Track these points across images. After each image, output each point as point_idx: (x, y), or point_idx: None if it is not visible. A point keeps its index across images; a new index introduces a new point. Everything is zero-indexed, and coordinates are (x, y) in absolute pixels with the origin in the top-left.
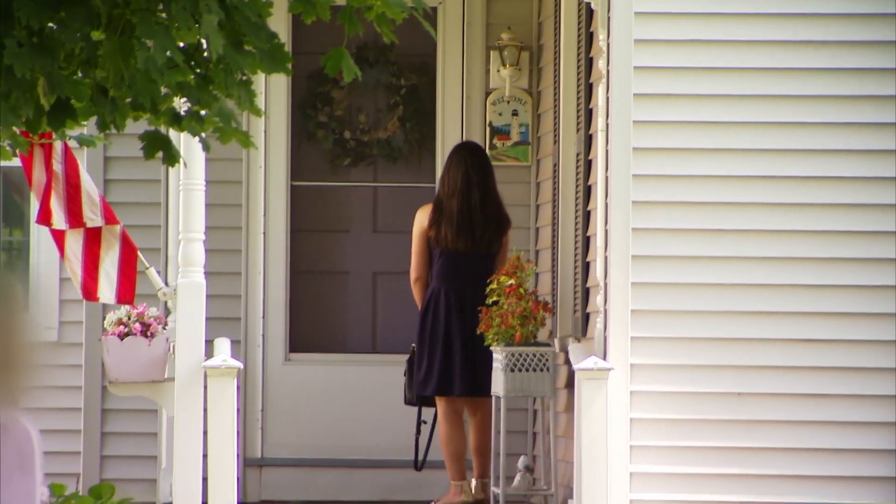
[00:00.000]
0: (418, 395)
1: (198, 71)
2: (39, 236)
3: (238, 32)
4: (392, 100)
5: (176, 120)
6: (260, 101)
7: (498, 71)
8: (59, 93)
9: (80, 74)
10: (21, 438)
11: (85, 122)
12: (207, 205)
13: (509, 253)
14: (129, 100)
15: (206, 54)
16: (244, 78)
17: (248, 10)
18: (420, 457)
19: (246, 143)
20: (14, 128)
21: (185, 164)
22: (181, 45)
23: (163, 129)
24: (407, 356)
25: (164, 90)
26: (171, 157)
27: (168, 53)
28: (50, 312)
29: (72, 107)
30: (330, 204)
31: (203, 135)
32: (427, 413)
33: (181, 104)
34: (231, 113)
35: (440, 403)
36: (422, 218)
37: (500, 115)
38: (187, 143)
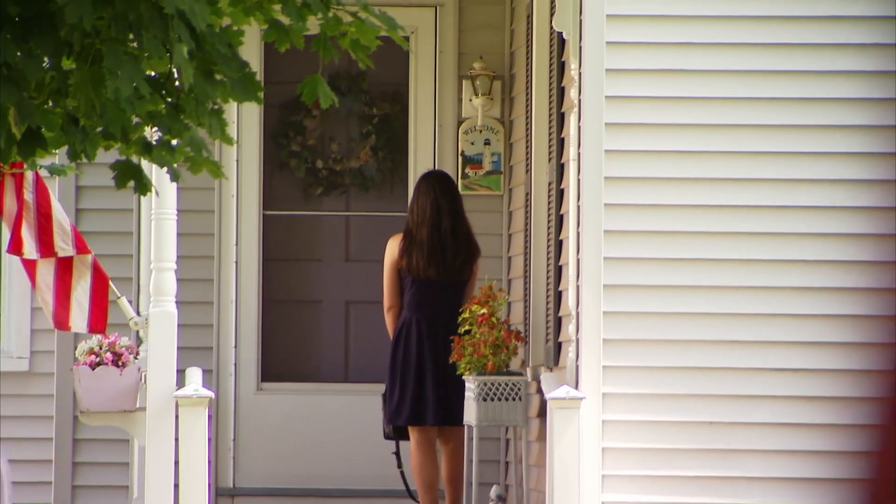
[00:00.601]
0: (392, 426)
1: (169, 100)
2: (11, 265)
3: (209, 61)
4: (364, 129)
5: (147, 149)
6: (232, 131)
7: (470, 100)
8: (29, 122)
9: (50, 104)
10: None
11: (56, 151)
12: (179, 234)
13: (480, 282)
14: (99, 129)
15: (177, 83)
16: (215, 107)
17: (218, 40)
18: (405, 486)
19: (217, 174)
20: None
21: (156, 193)
22: (152, 74)
23: (134, 158)
24: (381, 386)
25: (135, 119)
26: (143, 185)
27: (135, 84)
28: (21, 342)
29: (42, 136)
30: (302, 233)
31: (175, 165)
32: (404, 445)
33: (152, 133)
34: (202, 142)
35: (413, 433)
36: (392, 247)
37: (472, 144)
38: (159, 173)
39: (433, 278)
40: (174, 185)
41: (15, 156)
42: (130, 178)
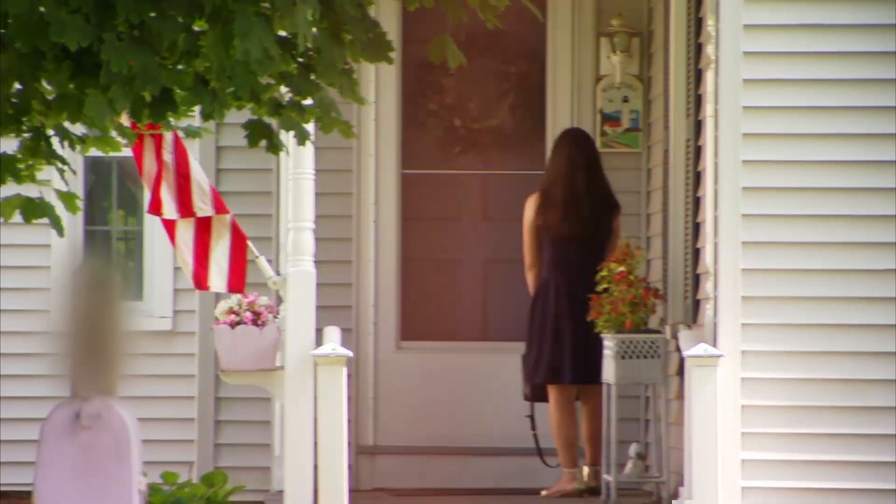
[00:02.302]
0: (531, 388)
1: (300, 60)
2: (153, 226)
3: (339, 22)
4: (502, 88)
5: (277, 109)
6: (370, 90)
7: (608, 57)
8: (153, 85)
9: (180, 66)
10: (117, 427)
11: (192, 113)
12: (318, 193)
13: (619, 240)
14: (229, 90)
15: (307, 44)
16: (346, 67)
17: (348, 1)
18: (537, 449)
19: (348, 133)
20: (113, 120)
21: (287, 153)
22: (282, 34)
23: (266, 118)
24: (519, 345)
25: (267, 80)
26: (274, 145)
27: (265, 46)
28: (164, 301)
29: (173, 98)
30: (440, 192)
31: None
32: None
33: (283, 94)
34: (332, 103)
35: (551, 391)
36: (530, 207)
37: (610, 101)
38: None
39: (568, 235)
40: (311, 145)
41: (146, 117)
42: (262, 137)
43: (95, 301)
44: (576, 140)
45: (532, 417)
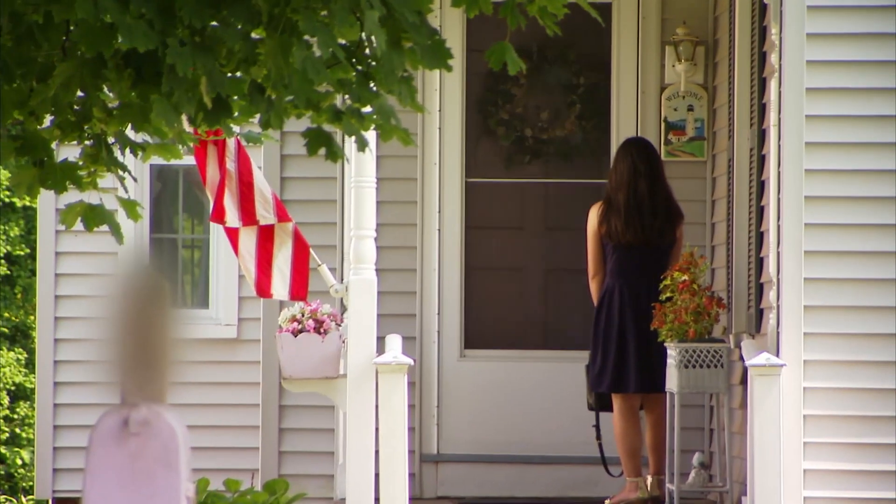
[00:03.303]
0: (596, 397)
1: (359, 68)
2: (218, 234)
3: (398, 29)
4: (569, 98)
5: (337, 117)
6: (434, 99)
7: (673, 66)
8: (219, 91)
9: (237, 74)
10: (165, 434)
11: (253, 119)
12: (383, 202)
13: (683, 248)
14: (288, 98)
15: (367, 51)
16: (405, 74)
17: (407, 8)
18: (601, 459)
19: (407, 141)
20: (180, 126)
21: (348, 160)
22: (342, 42)
23: (326, 126)
24: (580, 353)
25: (326, 87)
26: (334, 153)
27: (331, 50)
28: (229, 309)
29: (228, 104)
30: (504, 201)
31: (364, 133)
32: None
33: (343, 102)
34: (391, 110)
35: (616, 400)
36: (593, 215)
37: (675, 110)
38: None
39: (632, 243)
40: (372, 153)
41: (203, 124)
42: (321, 145)
43: (145, 308)
44: (638, 148)
45: (597, 427)
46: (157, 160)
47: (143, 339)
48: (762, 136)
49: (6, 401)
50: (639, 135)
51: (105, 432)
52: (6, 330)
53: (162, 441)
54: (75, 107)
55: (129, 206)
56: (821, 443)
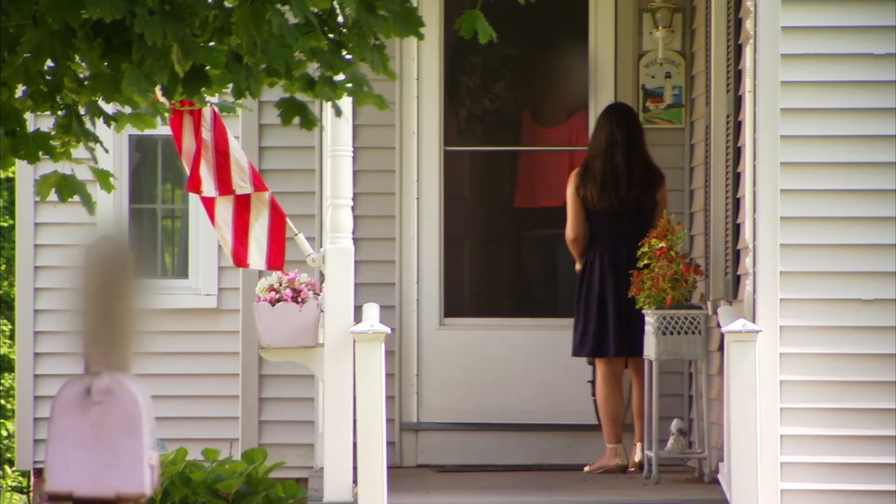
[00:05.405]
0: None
1: (331, 36)
2: (198, 204)
3: None
4: (545, 66)
5: (310, 85)
6: (412, 68)
7: (651, 33)
8: (192, 59)
9: (213, 42)
10: (128, 402)
11: (226, 90)
12: (361, 171)
13: (666, 210)
14: (263, 66)
15: (339, 19)
16: (377, 42)
17: None
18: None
19: (381, 105)
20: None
21: (325, 129)
22: (314, 10)
23: (298, 95)
24: (559, 321)
25: (298, 56)
26: (309, 121)
27: (305, 18)
28: (209, 279)
29: (206, 74)
30: (482, 169)
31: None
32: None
33: (315, 70)
34: (363, 78)
35: (598, 365)
36: (573, 180)
37: (652, 77)
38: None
39: (607, 209)
40: (349, 122)
41: (180, 94)
42: (295, 114)
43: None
44: (616, 116)
45: (593, 383)
46: (135, 131)
47: (105, 308)
48: (738, 103)
49: None
50: (616, 101)
51: (67, 401)
52: None
53: (124, 409)
54: (47, 77)
55: (103, 177)
56: (797, 408)
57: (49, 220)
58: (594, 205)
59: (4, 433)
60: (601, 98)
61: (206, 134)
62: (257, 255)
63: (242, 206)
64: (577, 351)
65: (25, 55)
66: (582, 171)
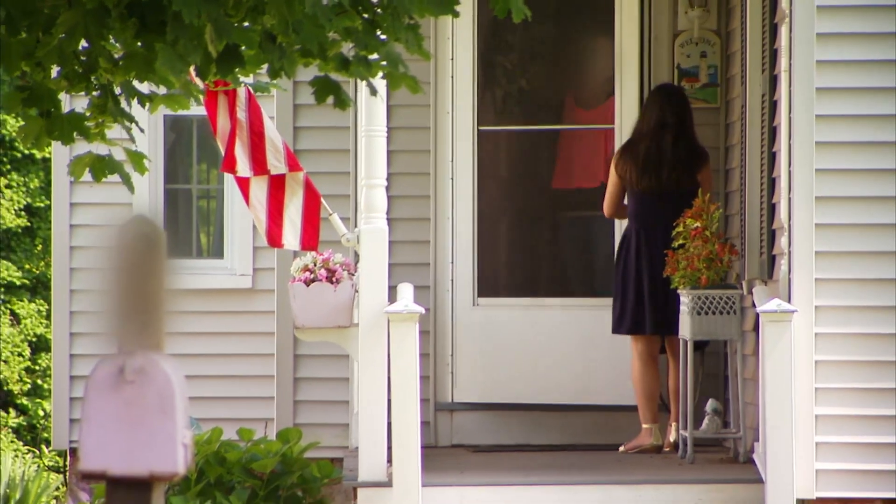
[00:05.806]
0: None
1: (364, 16)
2: (233, 184)
3: None
4: (576, 45)
5: (344, 65)
6: (447, 48)
7: (686, 12)
8: (226, 39)
9: (247, 23)
10: (161, 381)
11: (261, 70)
12: (396, 151)
13: (711, 189)
14: (297, 47)
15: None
16: (411, 22)
17: None
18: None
19: (415, 88)
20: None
21: (356, 109)
22: None
23: (333, 75)
24: (596, 300)
25: (332, 36)
26: (342, 101)
27: None
28: (244, 259)
29: (240, 54)
30: (517, 148)
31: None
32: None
33: (349, 50)
34: (398, 57)
35: (634, 343)
36: (616, 157)
37: (688, 56)
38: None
39: (646, 190)
40: (383, 101)
41: (213, 74)
42: (329, 93)
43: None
44: (669, 98)
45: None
46: (169, 111)
47: (138, 288)
48: (774, 83)
49: (28, 352)
50: (652, 80)
51: (101, 380)
52: (27, 282)
53: (157, 388)
54: (81, 57)
55: (136, 159)
56: (832, 388)
57: (84, 200)
58: (633, 185)
59: (41, 413)
60: (633, 77)
61: (241, 114)
62: (291, 235)
63: (277, 187)
64: (616, 328)
65: (60, 36)
66: (623, 149)
